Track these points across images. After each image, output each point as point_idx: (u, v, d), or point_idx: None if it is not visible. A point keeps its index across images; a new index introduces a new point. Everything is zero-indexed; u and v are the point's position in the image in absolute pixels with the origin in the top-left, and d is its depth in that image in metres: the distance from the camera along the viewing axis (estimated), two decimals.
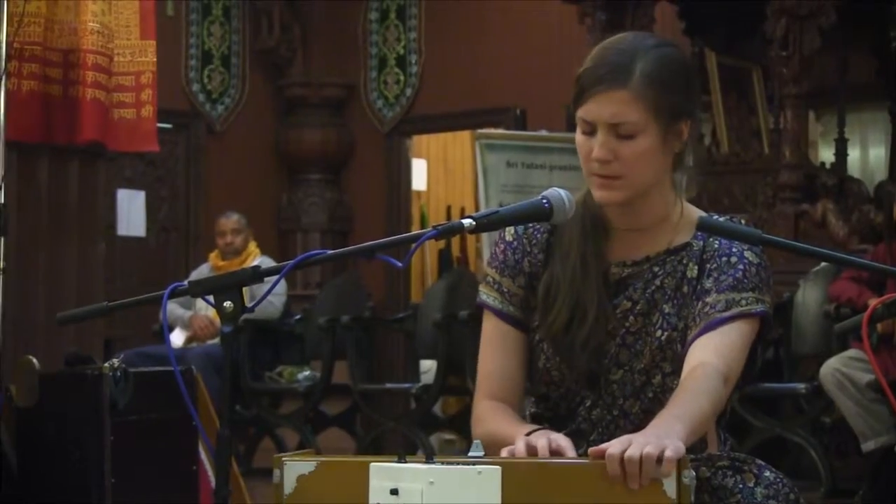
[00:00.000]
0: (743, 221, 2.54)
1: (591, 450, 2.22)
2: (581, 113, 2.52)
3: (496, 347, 2.64)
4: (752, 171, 7.88)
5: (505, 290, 2.64)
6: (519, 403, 2.63)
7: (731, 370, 2.46)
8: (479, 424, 2.58)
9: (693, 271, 2.56)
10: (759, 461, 2.50)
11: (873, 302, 5.99)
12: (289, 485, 2.24)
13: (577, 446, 2.53)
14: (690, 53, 8.22)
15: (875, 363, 5.77)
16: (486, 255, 7.99)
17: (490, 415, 2.58)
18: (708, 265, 2.55)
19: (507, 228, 2.65)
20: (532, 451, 2.32)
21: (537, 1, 9.43)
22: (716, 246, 2.56)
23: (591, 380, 2.57)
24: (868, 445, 6.44)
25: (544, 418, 2.62)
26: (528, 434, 2.40)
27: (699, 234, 2.57)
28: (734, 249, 2.55)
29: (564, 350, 2.57)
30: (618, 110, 2.48)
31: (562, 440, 2.35)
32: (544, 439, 2.34)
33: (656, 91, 2.49)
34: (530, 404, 2.70)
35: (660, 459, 2.15)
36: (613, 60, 2.51)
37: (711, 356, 2.44)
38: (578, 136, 2.55)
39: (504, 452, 2.34)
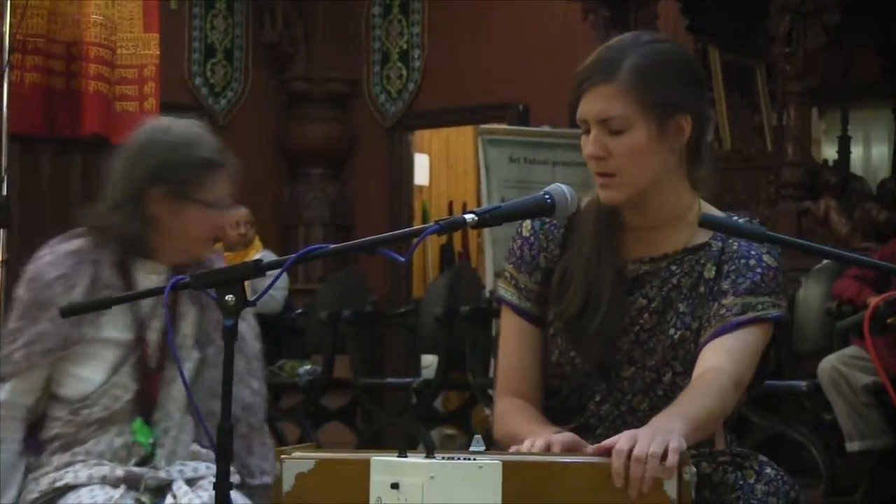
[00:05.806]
0: (741, 219, 2.52)
1: (593, 447, 2.21)
2: (578, 113, 2.53)
3: (514, 344, 2.64)
4: (755, 168, 7.87)
5: (521, 286, 2.63)
6: (538, 399, 2.62)
7: (741, 375, 2.44)
8: (500, 424, 2.58)
9: (711, 272, 2.53)
10: (762, 457, 2.50)
11: (874, 300, 6.00)
12: (287, 483, 2.23)
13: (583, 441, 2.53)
14: (693, 50, 8.21)
15: (876, 359, 5.75)
16: (487, 250, 7.97)
17: (510, 414, 2.58)
18: (726, 266, 2.52)
19: (524, 223, 2.64)
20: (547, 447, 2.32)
21: None
22: (734, 247, 2.53)
23: (602, 371, 2.56)
24: (853, 446, 6.42)
25: (554, 411, 2.61)
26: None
27: (718, 234, 2.54)
28: (753, 252, 2.52)
29: (576, 337, 2.55)
30: (604, 105, 2.48)
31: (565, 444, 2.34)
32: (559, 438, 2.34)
33: (645, 84, 2.47)
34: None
35: (664, 456, 2.15)
36: (603, 57, 2.51)
37: (723, 360, 2.42)
38: (582, 138, 2.55)
39: (523, 448, 2.32)
